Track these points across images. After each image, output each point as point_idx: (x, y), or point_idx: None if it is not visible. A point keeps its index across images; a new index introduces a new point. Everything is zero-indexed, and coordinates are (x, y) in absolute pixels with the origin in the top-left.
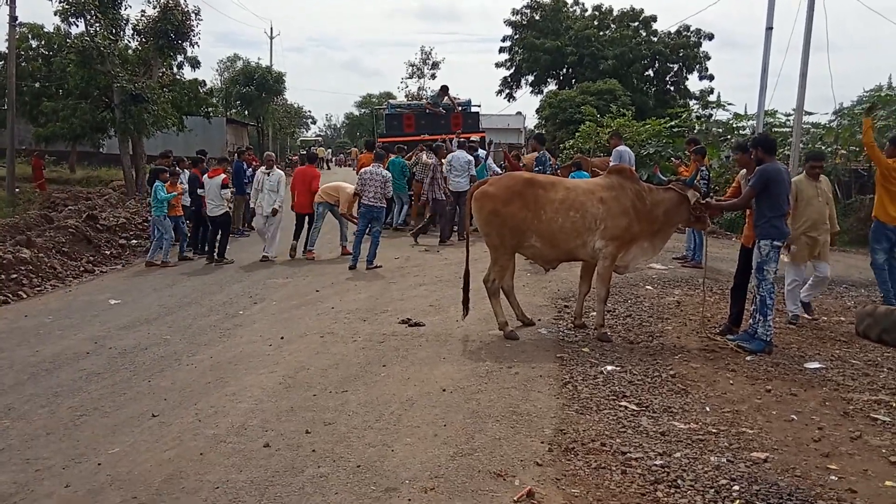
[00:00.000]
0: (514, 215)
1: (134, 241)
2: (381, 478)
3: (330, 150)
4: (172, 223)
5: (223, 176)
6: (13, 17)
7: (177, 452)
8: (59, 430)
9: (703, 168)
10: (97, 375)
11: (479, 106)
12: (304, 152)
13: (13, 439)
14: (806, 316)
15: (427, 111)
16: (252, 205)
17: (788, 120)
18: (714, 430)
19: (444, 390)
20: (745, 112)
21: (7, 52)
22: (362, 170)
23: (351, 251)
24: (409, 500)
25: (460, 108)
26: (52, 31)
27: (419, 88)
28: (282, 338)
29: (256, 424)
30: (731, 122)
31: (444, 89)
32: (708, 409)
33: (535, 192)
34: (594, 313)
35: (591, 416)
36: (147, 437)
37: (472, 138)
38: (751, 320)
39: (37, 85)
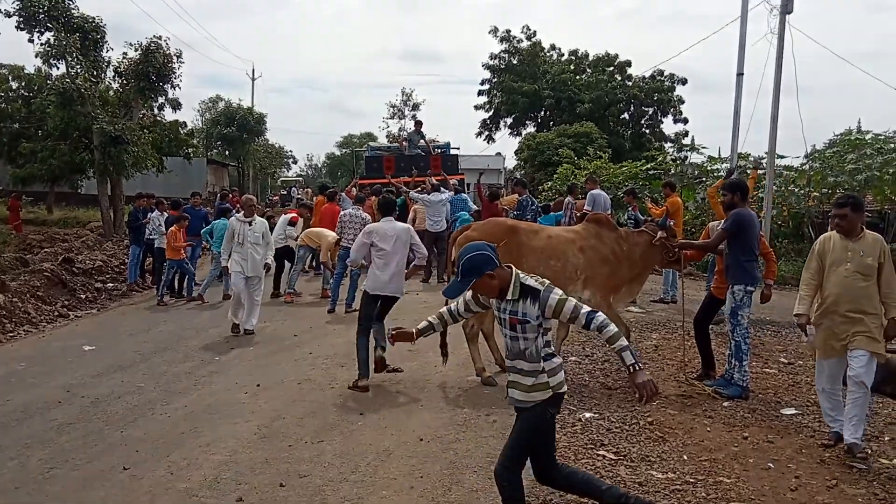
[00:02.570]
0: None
1: (110, 285)
2: None
3: (309, 190)
4: (176, 266)
5: (293, 215)
6: None
7: None
8: (29, 484)
9: (630, 210)
10: (69, 426)
11: (458, 148)
12: (285, 192)
13: None
14: (859, 450)
15: (405, 153)
16: (224, 262)
17: (761, 163)
18: (692, 480)
19: (421, 440)
20: (719, 154)
21: None
22: (342, 212)
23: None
24: None
25: (439, 151)
26: (32, 72)
27: (400, 129)
28: (258, 385)
29: (230, 477)
30: (705, 164)
31: (419, 124)
32: (685, 457)
33: (518, 240)
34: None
35: (569, 465)
36: (118, 492)
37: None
38: (727, 365)
39: (16, 126)
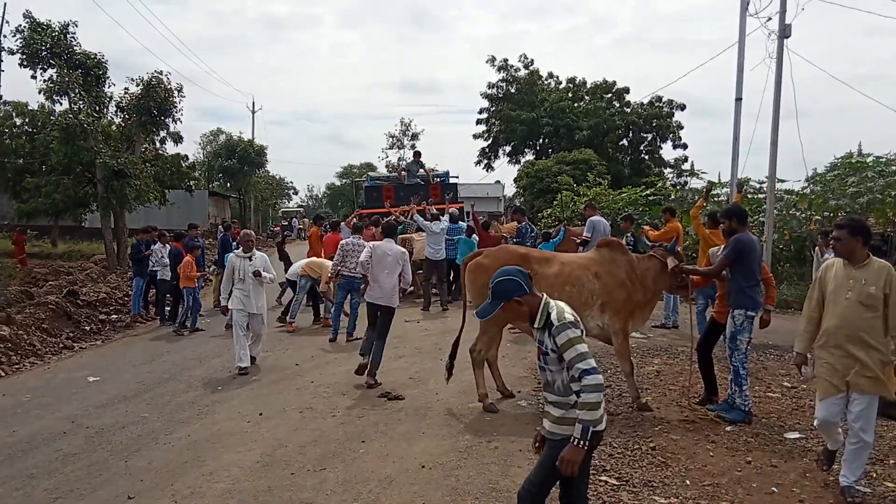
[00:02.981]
0: None
1: (114, 317)
2: None
3: (306, 220)
4: (193, 294)
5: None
6: None
7: None
8: None
9: (629, 234)
10: (74, 456)
11: (457, 177)
12: (286, 223)
13: None
14: (852, 494)
15: (405, 183)
16: (223, 300)
17: (762, 187)
18: None
19: (423, 466)
20: (720, 180)
21: None
22: (342, 241)
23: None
24: None
25: (438, 180)
26: (36, 108)
27: (399, 159)
28: (260, 414)
29: None
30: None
31: (417, 154)
32: (688, 482)
33: (530, 267)
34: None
35: None
36: None
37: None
38: (729, 390)
39: (20, 161)
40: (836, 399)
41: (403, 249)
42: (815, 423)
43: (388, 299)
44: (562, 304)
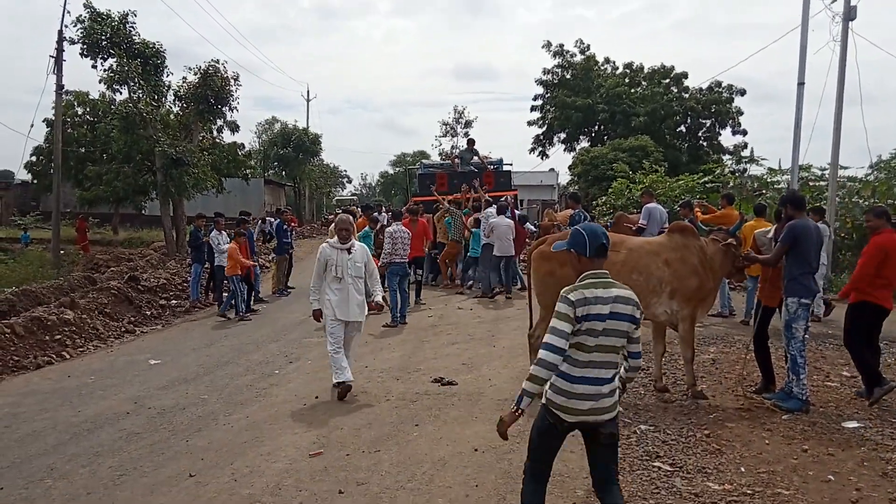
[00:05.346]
0: (570, 278)
1: (174, 302)
2: None
3: (360, 209)
4: (238, 281)
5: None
6: (59, 86)
7: None
8: (100, 490)
9: (688, 221)
10: (136, 435)
11: (511, 164)
12: (340, 210)
13: (55, 499)
14: None
15: (458, 170)
16: (314, 303)
17: (824, 174)
18: (749, 492)
19: (476, 450)
20: (780, 166)
21: (54, 118)
22: (388, 230)
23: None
24: None
25: (492, 167)
26: (97, 98)
27: (452, 146)
28: (316, 397)
29: (291, 485)
30: (765, 176)
31: (471, 142)
32: (743, 469)
33: None
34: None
35: (624, 476)
36: (184, 498)
37: (504, 197)
38: (786, 378)
39: (82, 150)
40: None
41: (510, 222)
42: None
43: (507, 252)
44: (595, 283)
